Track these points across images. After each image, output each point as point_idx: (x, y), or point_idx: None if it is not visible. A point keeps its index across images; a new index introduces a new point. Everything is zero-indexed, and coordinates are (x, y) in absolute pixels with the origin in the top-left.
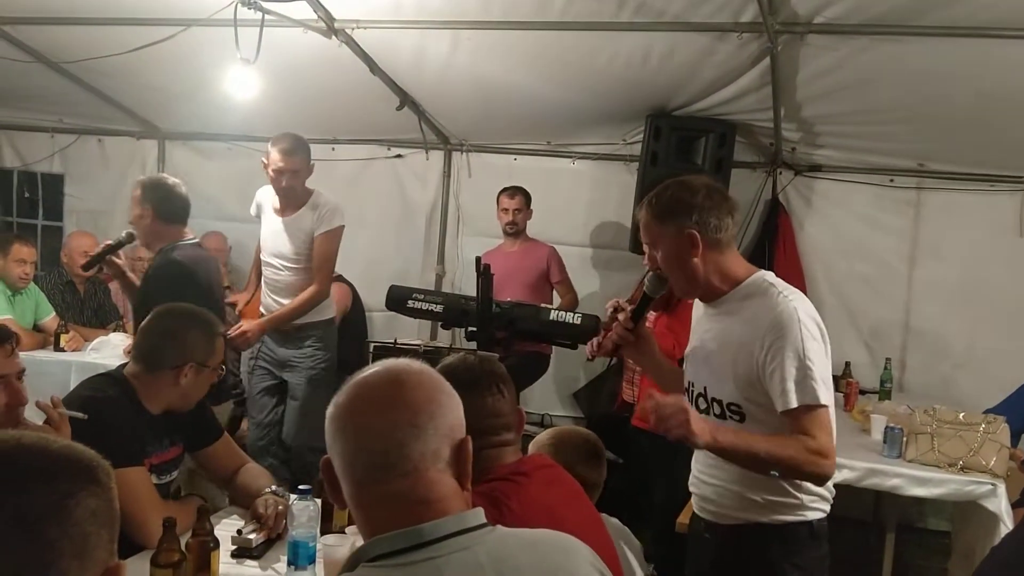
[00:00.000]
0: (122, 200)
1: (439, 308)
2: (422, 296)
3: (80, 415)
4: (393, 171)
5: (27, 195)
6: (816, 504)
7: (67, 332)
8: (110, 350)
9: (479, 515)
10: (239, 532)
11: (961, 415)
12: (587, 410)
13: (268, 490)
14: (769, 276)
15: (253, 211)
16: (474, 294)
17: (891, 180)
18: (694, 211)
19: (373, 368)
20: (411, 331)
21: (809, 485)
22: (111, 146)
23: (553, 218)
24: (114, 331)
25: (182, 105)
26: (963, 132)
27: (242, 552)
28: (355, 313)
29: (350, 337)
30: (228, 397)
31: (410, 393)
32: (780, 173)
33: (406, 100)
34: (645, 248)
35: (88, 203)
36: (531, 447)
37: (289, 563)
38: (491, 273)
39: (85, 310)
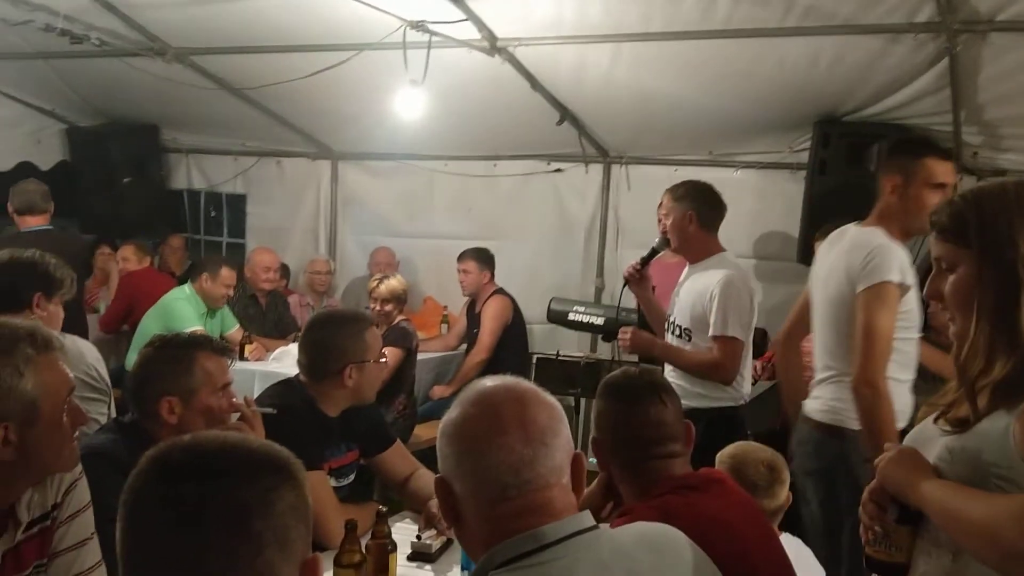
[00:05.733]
0: (300, 218)
1: (600, 320)
2: (583, 309)
3: (271, 410)
4: (552, 185)
5: (213, 214)
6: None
7: (251, 343)
8: (290, 360)
9: (590, 518)
10: (418, 538)
11: None
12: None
13: None
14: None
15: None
16: (634, 307)
17: None
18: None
19: (485, 387)
20: (571, 343)
21: None
22: (288, 167)
23: None
24: (293, 342)
25: (353, 126)
26: None
27: (420, 556)
28: (515, 326)
29: (511, 349)
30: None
31: (535, 410)
32: (961, 179)
33: (566, 115)
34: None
35: (268, 221)
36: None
37: (463, 568)
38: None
39: (266, 322)
